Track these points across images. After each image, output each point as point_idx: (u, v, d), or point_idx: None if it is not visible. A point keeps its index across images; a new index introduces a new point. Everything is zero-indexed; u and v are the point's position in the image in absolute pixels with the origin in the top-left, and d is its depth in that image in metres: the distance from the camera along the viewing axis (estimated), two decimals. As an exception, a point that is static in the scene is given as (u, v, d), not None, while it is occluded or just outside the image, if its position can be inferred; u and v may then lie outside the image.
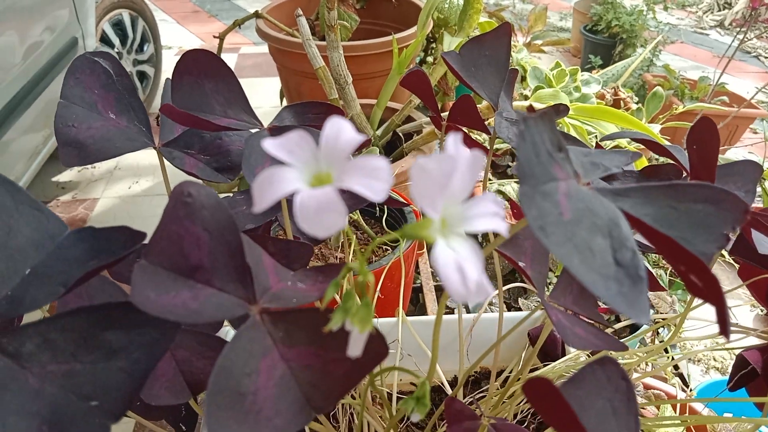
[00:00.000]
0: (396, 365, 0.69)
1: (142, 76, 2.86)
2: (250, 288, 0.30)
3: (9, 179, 0.33)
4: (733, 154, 2.50)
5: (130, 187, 2.40)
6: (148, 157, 2.59)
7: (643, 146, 0.46)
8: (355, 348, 0.24)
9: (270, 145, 0.22)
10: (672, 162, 0.51)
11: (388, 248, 0.91)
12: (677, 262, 0.24)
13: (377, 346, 0.26)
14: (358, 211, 0.91)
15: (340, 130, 0.22)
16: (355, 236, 0.92)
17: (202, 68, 0.45)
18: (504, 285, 1.33)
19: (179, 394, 0.39)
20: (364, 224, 0.91)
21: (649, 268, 1.35)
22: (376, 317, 0.75)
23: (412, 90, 0.57)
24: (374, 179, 0.20)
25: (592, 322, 0.41)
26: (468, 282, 0.20)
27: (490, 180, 1.29)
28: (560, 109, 0.53)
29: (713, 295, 0.23)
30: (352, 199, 0.60)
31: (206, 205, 0.28)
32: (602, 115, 1.05)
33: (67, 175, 2.45)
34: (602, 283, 0.21)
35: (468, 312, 1.08)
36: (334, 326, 0.24)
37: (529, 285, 0.64)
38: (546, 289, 0.41)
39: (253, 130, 0.46)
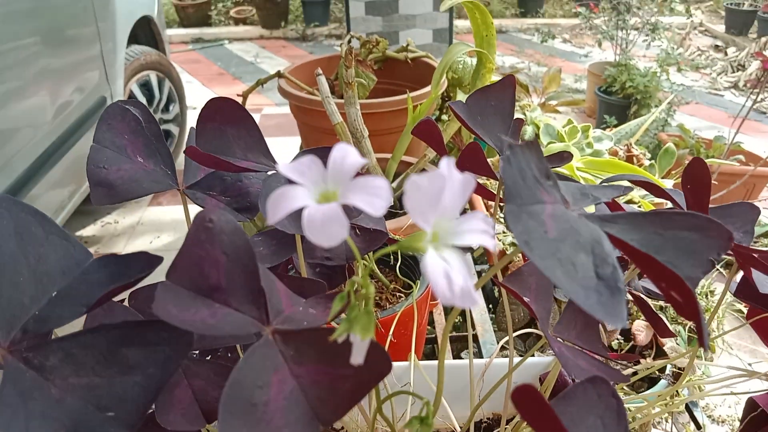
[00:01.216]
0: (408, 409, 0.70)
1: (167, 134, 2.95)
2: (263, 310, 0.31)
3: (40, 211, 0.36)
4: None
5: (151, 242, 2.44)
6: (169, 212, 2.65)
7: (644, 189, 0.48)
8: (358, 356, 0.26)
9: (284, 167, 0.24)
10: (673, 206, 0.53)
11: (402, 296, 0.92)
12: (659, 280, 0.26)
13: (380, 361, 0.28)
14: (373, 261, 0.93)
15: (346, 155, 0.24)
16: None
17: (225, 115, 0.48)
18: (522, 339, 1.33)
19: (194, 422, 0.41)
20: (379, 272, 0.93)
21: (667, 322, 1.34)
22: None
23: (423, 138, 0.60)
24: (375, 197, 0.22)
25: (595, 355, 0.42)
26: (454, 286, 0.22)
27: (504, 233, 1.31)
28: (564, 156, 0.56)
29: (691, 308, 0.24)
30: (364, 242, 0.62)
31: (225, 231, 0.30)
32: (614, 169, 1.07)
33: (90, 230, 2.51)
34: (583, 293, 0.23)
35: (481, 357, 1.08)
36: (339, 337, 0.26)
37: (540, 331, 0.65)
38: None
39: (271, 172, 0.49)
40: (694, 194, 0.39)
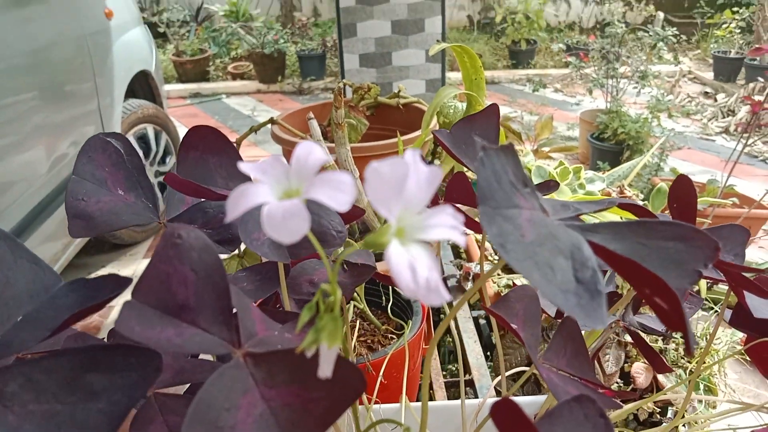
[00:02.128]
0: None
1: (163, 186, 2.96)
2: (234, 332, 0.30)
3: (9, 234, 0.35)
4: (749, 254, 2.48)
5: (145, 293, 2.41)
6: (164, 263, 2.63)
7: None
8: (326, 367, 0.24)
9: (245, 166, 0.24)
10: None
11: (394, 337, 0.90)
12: (642, 286, 0.25)
13: (352, 378, 0.27)
14: (364, 301, 0.92)
15: (311, 151, 0.24)
16: (360, 325, 0.92)
17: (207, 144, 0.48)
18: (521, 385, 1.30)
19: (168, 459, 0.39)
20: (370, 314, 0.91)
21: (668, 364, 1.32)
22: (378, 402, 0.73)
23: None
24: (339, 191, 0.22)
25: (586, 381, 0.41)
26: (418, 278, 0.21)
27: (498, 275, 1.30)
28: (550, 185, 0.55)
29: (676, 314, 0.23)
30: (352, 277, 0.61)
31: (195, 247, 0.29)
32: (605, 207, 1.06)
33: (84, 282, 2.48)
34: (561, 296, 0.22)
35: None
36: (307, 348, 0.24)
37: (534, 370, 0.63)
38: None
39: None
40: (680, 212, 0.39)
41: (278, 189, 0.24)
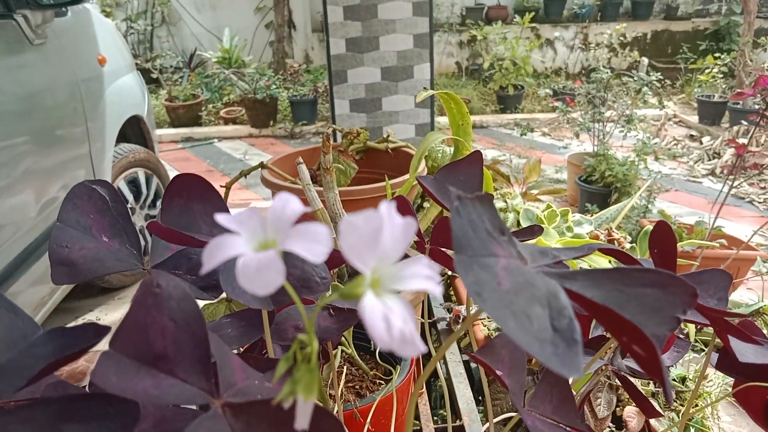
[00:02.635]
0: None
1: (153, 230, 2.95)
2: (213, 382, 0.30)
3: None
4: (738, 296, 2.48)
5: (132, 338, 2.38)
6: (153, 308, 2.60)
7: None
8: (302, 420, 0.24)
9: (222, 217, 0.24)
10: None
11: (383, 383, 0.89)
12: (620, 334, 0.25)
13: (332, 429, 0.26)
14: (352, 346, 0.91)
15: (287, 203, 0.24)
16: (348, 370, 0.91)
17: (192, 191, 0.48)
18: (513, 429, 1.28)
19: None
20: (359, 359, 0.90)
21: (660, 410, 1.30)
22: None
23: (394, 215, 0.60)
24: (315, 243, 0.22)
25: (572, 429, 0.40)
26: (393, 329, 0.21)
27: (489, 318, 1.29)
28: (534, 230, 0.56)
29: (653, 362, 0.23)
30: (338, 322, 0.61)
31: (174, 296, 0.29)
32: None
33: (70, 328, 2.44)
34: (538, 345, 0.22)
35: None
36: (284, 399, 0.24)
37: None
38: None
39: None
40: (661, 257, 0.39)
41: (254, 241, 0.24)
